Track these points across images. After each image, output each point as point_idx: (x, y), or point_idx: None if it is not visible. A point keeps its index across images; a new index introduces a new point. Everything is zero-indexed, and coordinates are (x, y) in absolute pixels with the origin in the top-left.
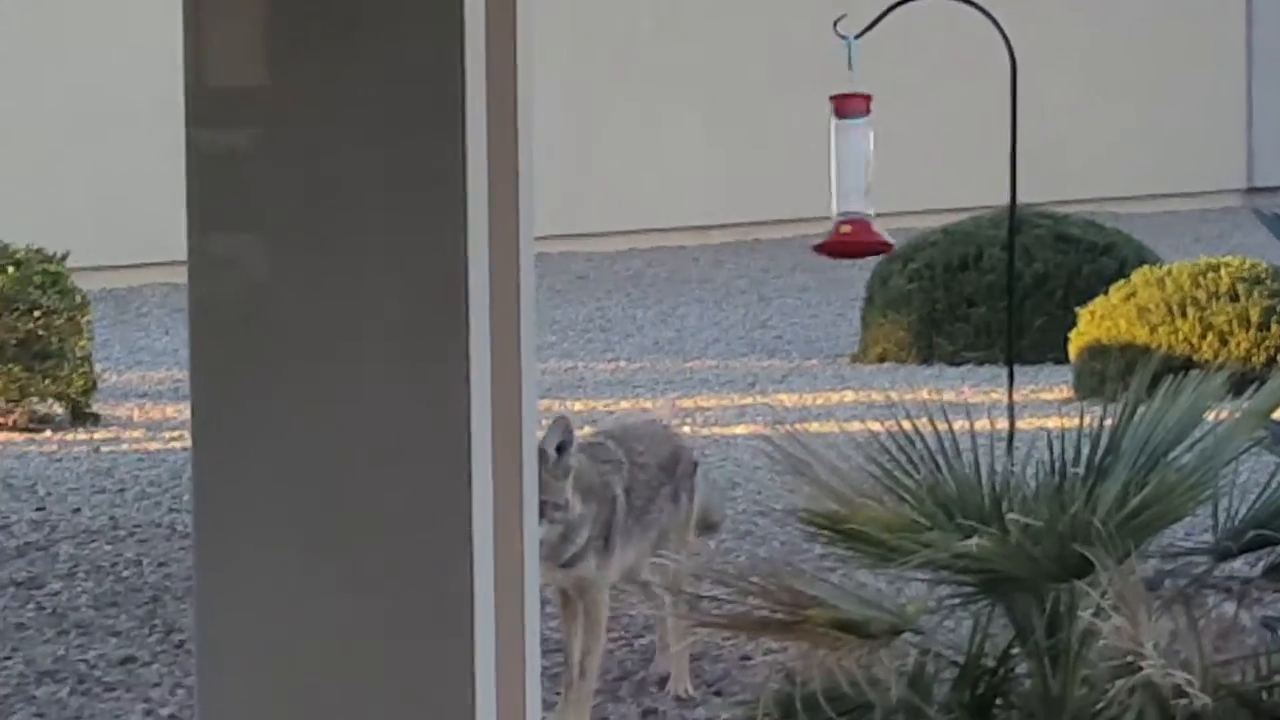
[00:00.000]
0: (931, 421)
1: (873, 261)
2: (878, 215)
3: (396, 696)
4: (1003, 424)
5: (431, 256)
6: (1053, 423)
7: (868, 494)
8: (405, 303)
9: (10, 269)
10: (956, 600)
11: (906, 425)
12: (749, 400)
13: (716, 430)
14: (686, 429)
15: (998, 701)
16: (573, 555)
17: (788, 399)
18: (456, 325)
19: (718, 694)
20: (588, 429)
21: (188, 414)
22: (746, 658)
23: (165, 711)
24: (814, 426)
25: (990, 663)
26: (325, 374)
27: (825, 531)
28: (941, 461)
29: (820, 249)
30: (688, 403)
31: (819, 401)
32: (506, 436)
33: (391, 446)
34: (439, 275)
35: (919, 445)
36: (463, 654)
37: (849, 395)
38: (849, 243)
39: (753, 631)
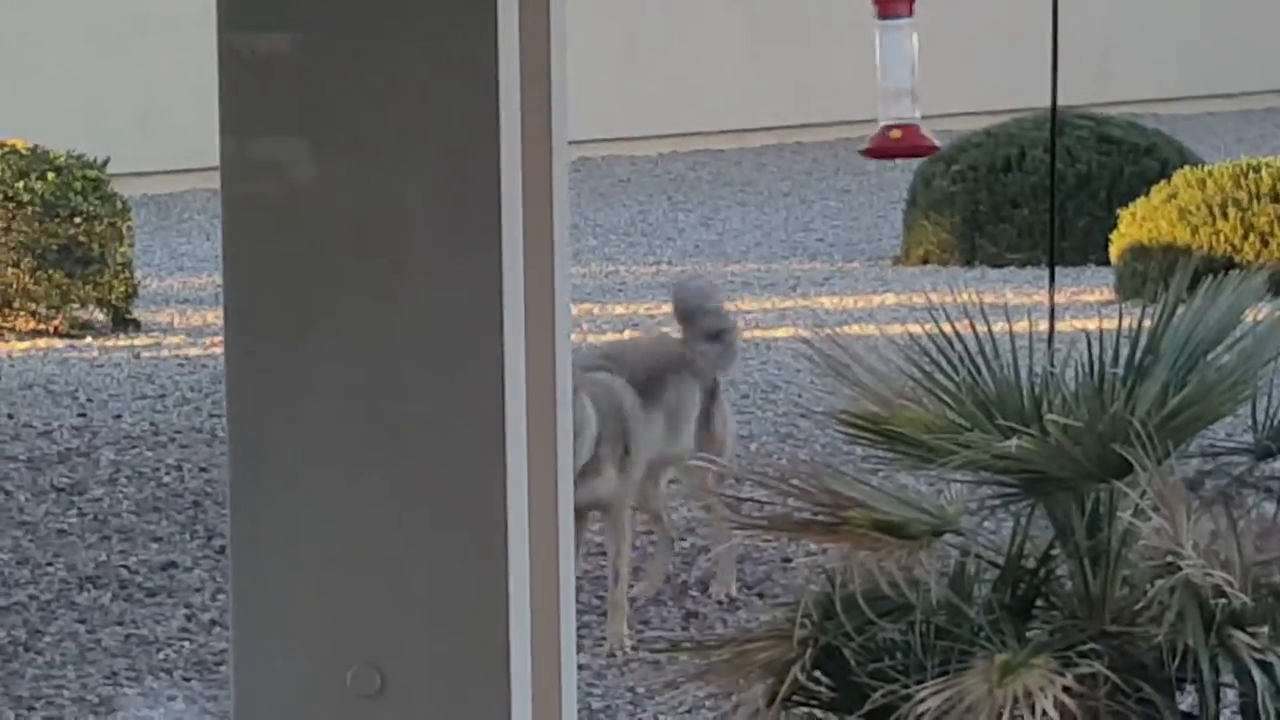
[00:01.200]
0: (971, 324)
1: (915, 164)
2: (926, 117)
3: (430, 601)
4: (1043, 326)
5: (464, 159)
6: (1093, 324)
7: (907, 396)
8: (437, 205)
9: (50, 175)
10: (996, 501)
11: (946, 328)
12: (790, 303)
13: (757, 333)
14: None
15: (1038, 602)
16: (585, 467)
17: (829, 302)
18: (489, 228)
19: (759, 596)
20: (629, 332)
21: None
22: (788, 560)
23: (206, 617)
24: (855, 329)
25: (1030, 563)
26: (357, 277)
27: (865, 433)
28: (981, 363)
29: (868, 153)
30: (729, 305)
31: (860, 304)
32: (540, 338)
33: (424, 349)
34: (472, 178)
35: (958, 347)
36: (497, 557)
37: (890, 298)
38: (897, 147)
39: (793, 533)
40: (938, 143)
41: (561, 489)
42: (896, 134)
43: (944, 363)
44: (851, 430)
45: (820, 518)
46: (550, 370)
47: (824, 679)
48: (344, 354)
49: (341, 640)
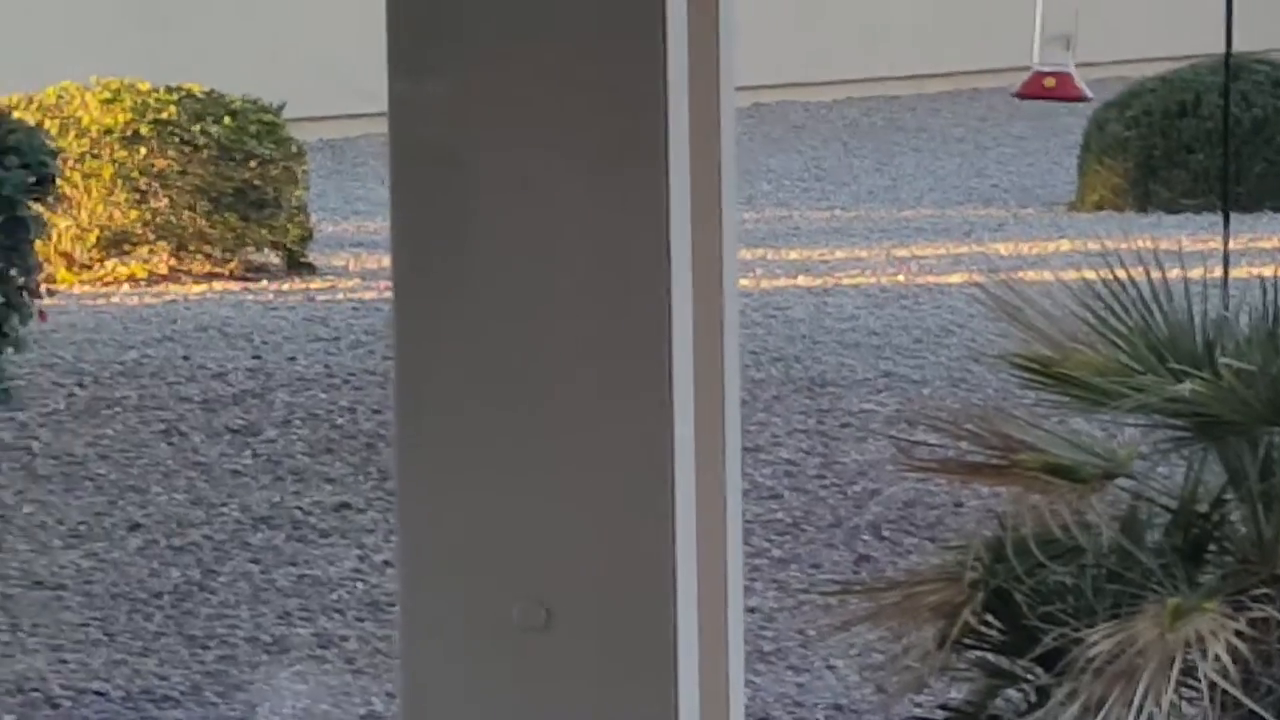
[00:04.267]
0: (1145, 269)
1: (1089, 108)
2: (1098, 64)
3: (596, 537)
4: (1218, 272)
5: (631, 101)
6: (1269, 270)
7: (1080, 339)
8: (604, 148)
9: (226, 119)
10: (1168, 445)
11: (1120, 273)
12: (964, 249)
13: (931, 279)
14: (900, 278)
15: (1210, 546)
16: None
17: (1003, 248)
18: (655, 169)
19: (931, 540)
20: (802, 278)
21: None
22: (959, 504)
23: (379, 558)
24: (1030, 276)
25: (1203, 507)
26: (522, 221)
27: (1037, 377)
28: (1154, 307)
29: (1019, 95)
30: (903, 251)
31: (1035, 250)
32: (707, 275)
33: (589, 288)
34: (638, 121)
35: (1131, 291)
36: (663, 494)
37: (1065, 244)
38: (1048, 93)
39: (965, 476)
40: (1090, 94)
41: (728, 427)
42: (1050, 81)
43: (1117, 306)
44: (1024, 373)
45: (992, 460)
46: (718, 308)
47: (994, 622)
48: (510, 293)
49: (507, 576)
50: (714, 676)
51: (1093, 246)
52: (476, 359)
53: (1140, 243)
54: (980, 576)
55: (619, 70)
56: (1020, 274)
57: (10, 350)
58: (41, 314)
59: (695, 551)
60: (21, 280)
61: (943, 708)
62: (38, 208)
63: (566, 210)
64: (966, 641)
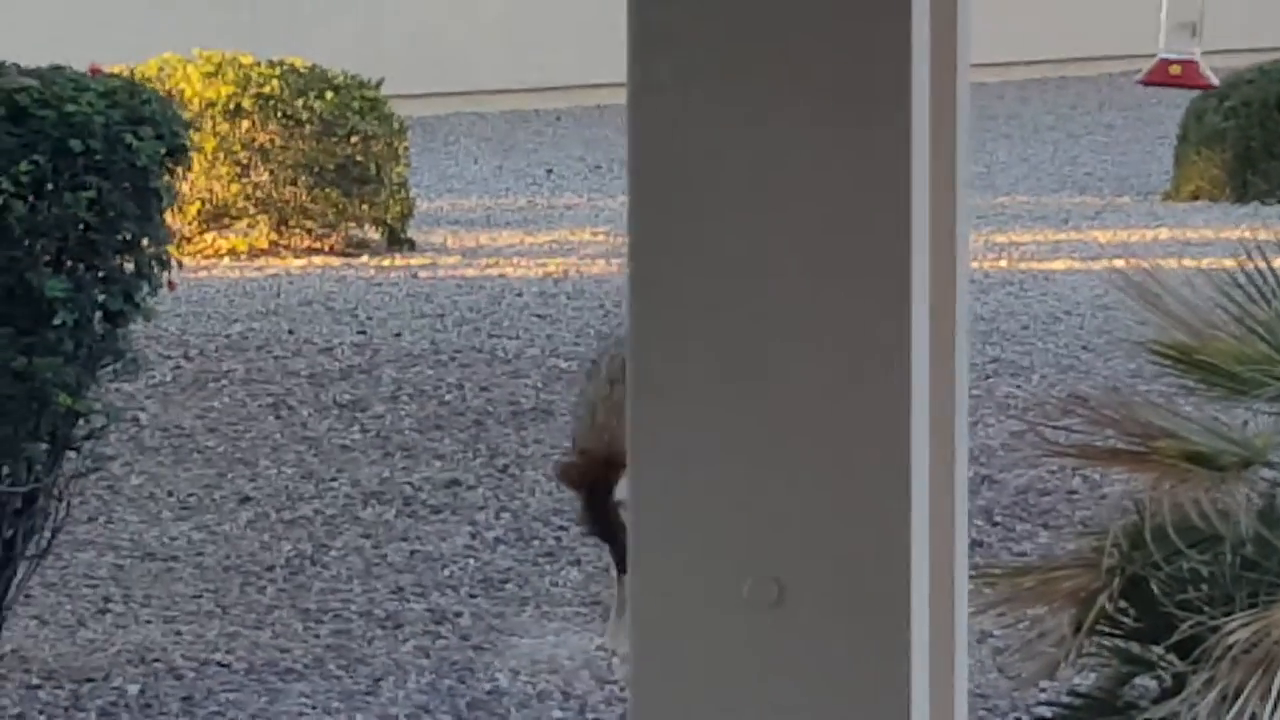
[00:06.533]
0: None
1: (1184, 99)
2: (1214, 52)
3: (831, 513)
4: None
5: (876, 74)
6: None
7: (1218, 326)
8: (848, 123)
9: (329, 94)
10: None
11: (1260, 262)
12: (1063, 236)
13: (1034, 265)
14: (1003, 264)
15: None
16: None
17: (1102, 235)
18: (899, 148)
19: (1044, 526)
20: None
21: (501, 241)
22: (1073, 492)
23: (491, 535)
24: (1121, 265)
25: None
26: (759, 198)
27: (1174, 364)
28: None
29: (1144, 82)
30: (1001, 238)
31: (1134, 239)
32: (942, 255)
33: (829, 262)
34: (883, 98)
35: (1270, 280)
36: (900, 469)
37: (1163, 233)
38: (1174, 80)
39: (1103, 461)
40: (1215, 80)
41: (958, 406)
42: (1176, 69)
43: (1255, 295)
44: (1160, 360)
45: (1131, 447)
46: (951, 284)
47: (1130, 609)
48: (747, 266)
49: (740, 551)
50: (942, 657)
51: (1192, 236)
52: (712, 331)
53: (1242, 232)
54: (1117, 563)
55: (861, 42)
56: (1119, 262)
57: (140, 320)
58: (171, 284)
59: (929, 532)
60: (153, 250)
61: (1074, 694)
62: (169, 179)
63: (807, 182)
64: (1101, 628)
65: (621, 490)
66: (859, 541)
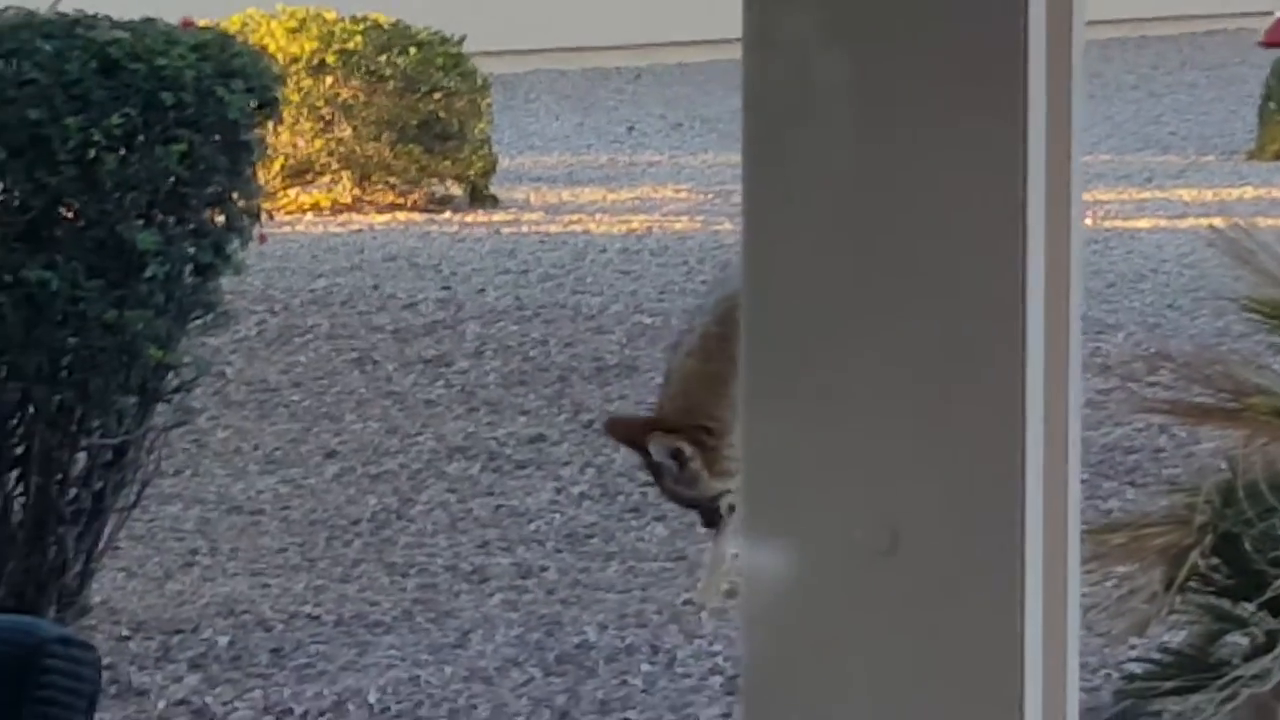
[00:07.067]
0: None
1: (1266, 59)
2: None
3: (944, 459)
4: None
5: (992, 30)
6: None
7: None
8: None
9: (412, 50)
10: None
11: None
12: (1147, 195)
13: (1118, 224)
14: (1089, 221)
15: None
16: None
17: (1186, 194)
18: (1013, 104)
19: (1131, 484)
20: None
21: (583, 198)
22: (1160, 450)
23: (576, 490)
24: (1216, 222)
25: None
26: (872, 142)
27: (1269, 320)
28: None
29: (1264, 44)
30: (1085, 196)
31: (1218, 198)
32: (1057, 210)
33: (942, 213)
34: (997, 57)
35: None
36: (1014, 416)
37: (1248, 191)
38: None
39: (1193, 418)
40: None
41: (1073, 354)
42: None
43: None
44: (1253, 316)
45: (1223, 404)
46: (1065, 238)
47: (1222, 565)
48: (859, 215)
49: (853, 498)
50: (1054, 604)
51: (1277, 195)
52: (825, 280)
53: None
54: (1209, 519)
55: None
56: (1206, 220)
57: (230, 273)
58: (261, 237)
59: (1042, 481)
60: (242, 203)
61: (1165, 650)
62: (259, 132)
63: (921, 136)
64: (1192, 585)
65: (658, 452)
66: (973, 491)
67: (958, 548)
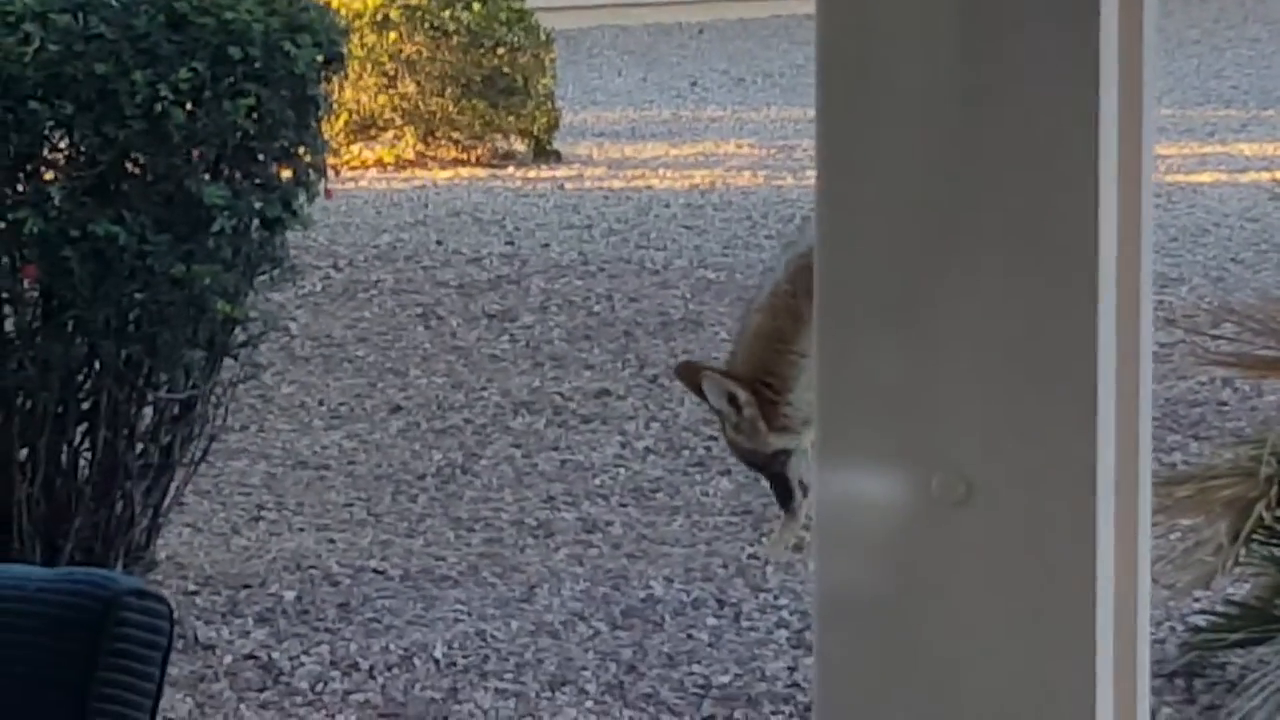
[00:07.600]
0: None
1: None
2: None
3: (1019, 409)
4: None
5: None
6: None
7: None
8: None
9: (476, 6)
10: None
11: None
12: (1209, 149)
13: (1180, 178)
14: None
15: None
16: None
17: (1248, 149)
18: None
19: (1194, 438)
20: None
21: (646, 154)
22: (1223, 403)
23: (641, 445)
24: (1278, 176)
25: None
26: (945, 99)
27: None
28: None
29: None
30: None
31: None
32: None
33: (1016, 160)
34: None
35: None
36: (1087, 367)
37: None
38: None
39: (1258, 371)
40: None
41: (1144, 305)
42: None
43: None
44: None
45: None
46: (1137, 191)
47: None
48: (932, 167)
49: (927, 447)
50: (1126, 557)
51: None
52: (899, 233)
53: None
54: (1275, 471)
55: None
56: (1267, 175)
57: (298, 228)
58: (328, 191)
59: (1115, 433)
60: (309, 158)
61: (1230, 603)
62: (326, 87)
63: (995, 91)
64: (1258, 537)
65: (712, 392)
66: (1047, 443)
67: (1031, 500)
